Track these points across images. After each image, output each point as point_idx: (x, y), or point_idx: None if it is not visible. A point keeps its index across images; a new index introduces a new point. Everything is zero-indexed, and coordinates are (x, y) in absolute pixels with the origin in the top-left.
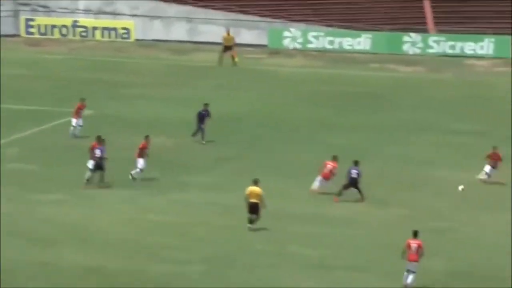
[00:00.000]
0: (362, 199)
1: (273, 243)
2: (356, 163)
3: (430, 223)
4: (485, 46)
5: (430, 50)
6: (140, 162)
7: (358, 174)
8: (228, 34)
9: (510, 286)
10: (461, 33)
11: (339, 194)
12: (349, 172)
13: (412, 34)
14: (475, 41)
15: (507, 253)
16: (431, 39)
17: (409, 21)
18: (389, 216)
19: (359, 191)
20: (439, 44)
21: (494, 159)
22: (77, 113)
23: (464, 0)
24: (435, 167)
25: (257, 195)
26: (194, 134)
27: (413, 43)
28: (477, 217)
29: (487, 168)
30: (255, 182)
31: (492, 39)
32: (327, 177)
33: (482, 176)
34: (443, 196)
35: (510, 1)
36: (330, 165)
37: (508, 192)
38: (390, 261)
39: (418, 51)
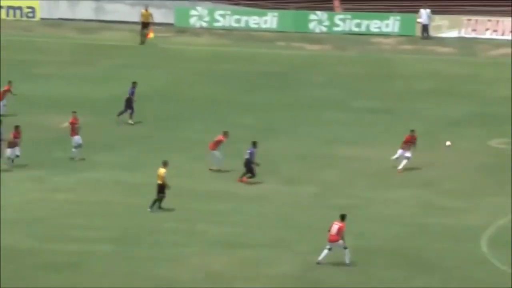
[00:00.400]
0: (247, 178)
1: (181, 222)
2: (254, 143)
3: (338, 200)
4: (391, 24)
5: (336, 28)
6: (75, 139)
7: (250, 154)
8: (146, 10)
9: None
10: (367, 11)
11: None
12: (245, 153)
13: (318, 13)
14: (381, 19)
15: (414, 228)
16: (337, 18)
17: (315, 0)
18: (298, 194)
19: (248, 171)
20: (345, 22)
21: (410, 142)
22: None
23: None
24: (343, 145)
25: (160, 176)
26: (120, 114)
27: (319, 22)
28: (385, 193)
29: (402, 151)
30: (164, 164)
31: (398, 17)
32: (213, 148)
33: (397, 157)
34: (351, 173)
35: None
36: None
37: (415, 169)
38: (299, 239)
39: (324, 29)
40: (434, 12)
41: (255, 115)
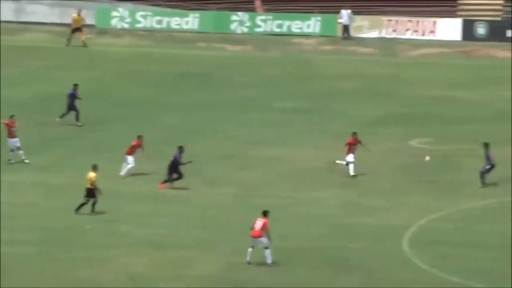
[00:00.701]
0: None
1: (104, 223)
2: (180, 148)
3: (261, 201)
4: (312, 24)
5: (258, 29)
6: (12, 142)
7: (174, 158)
8: (78, 15)
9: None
10: (288, 12)
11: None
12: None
13: (240, 13)
14: (302, 20)
15: (336, 228)
16: (259, 18)
17: (236, 1)
18: (221, 194)
19: (174, 173)
20: (267, 23)
21: (354, 145)
22: None
23: None
24: (266, 145)
25: (90, 180)
26: (62, 116)
27: (241, 22)
28: (307, 194)
29: (349, 157)
30: (93, 168)
31: (319, 18)
32: (128, 153)
33: (342, 161)
34: (274, 174)
35: None
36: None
37: (338, 170)
38: (221, 239)
39: (245, 30)
40: (354, 12)
41: (178, 116)
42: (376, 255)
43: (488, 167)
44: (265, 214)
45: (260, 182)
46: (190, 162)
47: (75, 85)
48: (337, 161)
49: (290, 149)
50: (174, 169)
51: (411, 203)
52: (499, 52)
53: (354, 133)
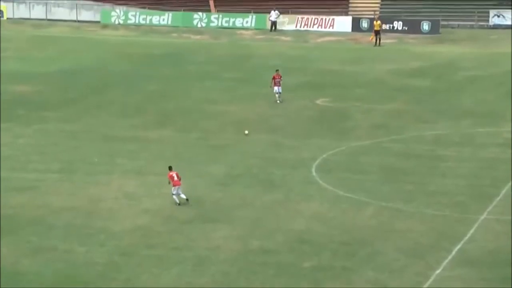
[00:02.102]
0: None
1: (105, 156)
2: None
3: (215, 142)
4: (249, 21)
5: (212, 24)
6: None
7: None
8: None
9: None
10: (233, 12)
11: None
12: None
13: (200, 13)
14: (243, 17)
15: (265, 160)
16: (213, 17)
17: (197, 4)
18: (185, 138)
19: None
20: (218, 19)
21: (276, 78)
22: None
23: None
24: (216, 103)
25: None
26: None
27: (200, 19)
28: (245, 137)
29: (276, 88)
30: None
31: (254, 16)
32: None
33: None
34: (221, 123)
35: None
36: None
37: (268, 119)
38: (186, 168)
39: (204, 25)
40: (279, 12)
41: (156, 83)
42: (292, 178)
43: None
44: (170, 168)
45: (215, 129)
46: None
47: None
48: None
49: (234, 106)
50: None
51: (317, 143)
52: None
53: (277, 70)
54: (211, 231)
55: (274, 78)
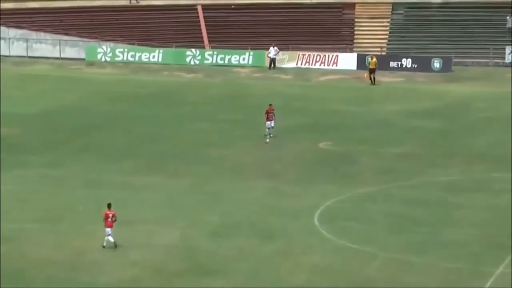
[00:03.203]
0: None
1: (91, 205)
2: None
3: (209, 188)
4: (246, 58)
5: (206, 61)
6: None
7: None
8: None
9: None
10: (229, 48)
11: None
12: None
13: (193, 50)
14: (239, 54)
15: (265, 208)
16: (207, 53)
17: (190, 40)
18: (177, 184)
19: None
20: (213, 56)
21: (270, 112)
22: None
23: (230, 24)
24: (211, 147)
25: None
26: None
27: (194, 56)
28: (242, 183)
29: (268, 123)
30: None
31: (251, 53)
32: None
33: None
34: (218, 167)
35: (265, 24)
36: None
37: (264, 164)
38: (177, 217)
39: (197, 62)
40: (278, 49)
41: (146, 125)
42: (293, 227)
43: None
44: (109, 206)
45: (209, 174)
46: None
47: None
48: (266, 139)
49: (230, 149)
50: None
51: (320, 189)
52: (383, 78)
53: (270, 104)
54: (205, 285)
55: (267, 112)
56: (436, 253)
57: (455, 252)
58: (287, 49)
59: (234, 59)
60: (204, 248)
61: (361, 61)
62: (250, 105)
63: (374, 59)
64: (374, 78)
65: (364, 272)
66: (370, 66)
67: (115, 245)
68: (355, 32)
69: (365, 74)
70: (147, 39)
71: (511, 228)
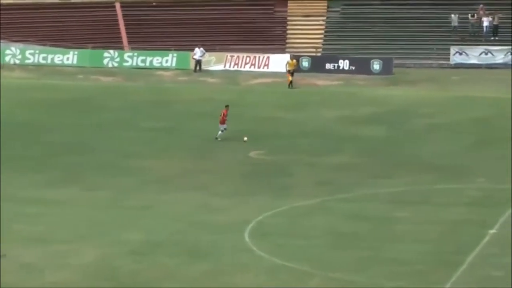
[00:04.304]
0: None
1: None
2: None
3: (131, 202)
4: (169, 60)
5: (126, 64)
6: None
7: None
8: None
9: None
10: (150, 50)
11: None
12: None
13: (111, 51)
14: (161, 56)
15: (191, 224)
16: (126, 55)
17: (108, 40)
18: (96, 198)
19: None
20: (133, 58)
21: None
22: None
23: (151, 23)
24: (134, 157)
25: None
26: None
27: (112, 58)
28: (167, 196)
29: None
30: None
31: (175, 54)
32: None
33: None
34: (141, 180)
35: (190, 23)
36: None
37: (191, 175)
38: (96, 235)
39: (116, 64)
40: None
41: (60, 134)
42: (223, 244)
43: None
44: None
45: (131, 187)
46: None
47: None
48: (217, 136)
49: (154, 160)
50: None
51: (252, 203)
52: (319, 81)
53: (227, 106)
54: None
55: (224, 114)
56: (379, 271)
57: (399, 269)
58: (214, 50)
59: (156, 61)
60: (126, 268)
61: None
62: (175, 112)
63: (294, 61)
64: (291, 81)
65: None
66: (289, 68)
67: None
68: (288, 31)
69: (288, 77)
70: (61, 39)
71: (458, 244)
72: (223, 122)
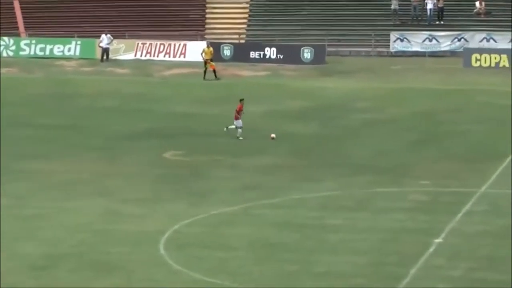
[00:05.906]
0: None
1: None
2: None
3: (26, 211)
4: (73, 48)
5: (22, 53)
6: None
7: None
8: None
9: None
10: (50, 37)
11: None
12: None
13: (5, 38)
14: (63, 44)
15: (97, 234)
16: (23, 43)
17: (2, 27)
18: None
19: None
20: (30, 47)
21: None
22: None
23: (51, 7)
24: (30, 159)
25: None
26: None
27: (7, 47)
28: (68, 203)
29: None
30: None
31: (79, 42)
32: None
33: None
34: (38, 186)
35: (96, 6)
36: None
37: (95, 180)
38: None
39: (11, 53)
40: (112, 37)
41: None
42: (134, 257)
43: None
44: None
45: (29, 193)
46: None
47: None
48: (229, 127)
49: (53, 163)
50: None
51: (166, 210)
52: (243, 71)
53: (242, 100)
54: None
55: (240, 109)
56: (311, 286)
57: (333, 284)
58: (123, 37)
59: (58, 49)
60: (24, 285)
61: (216, 52)
62: (79, 107)
63: (211, 48)
64: (205, 72)
65: None
66: (206, 57)
67: None
68: (207, 16)
69: (211, 66)
70: None
71: (400, 255)
72: (237, 118)
